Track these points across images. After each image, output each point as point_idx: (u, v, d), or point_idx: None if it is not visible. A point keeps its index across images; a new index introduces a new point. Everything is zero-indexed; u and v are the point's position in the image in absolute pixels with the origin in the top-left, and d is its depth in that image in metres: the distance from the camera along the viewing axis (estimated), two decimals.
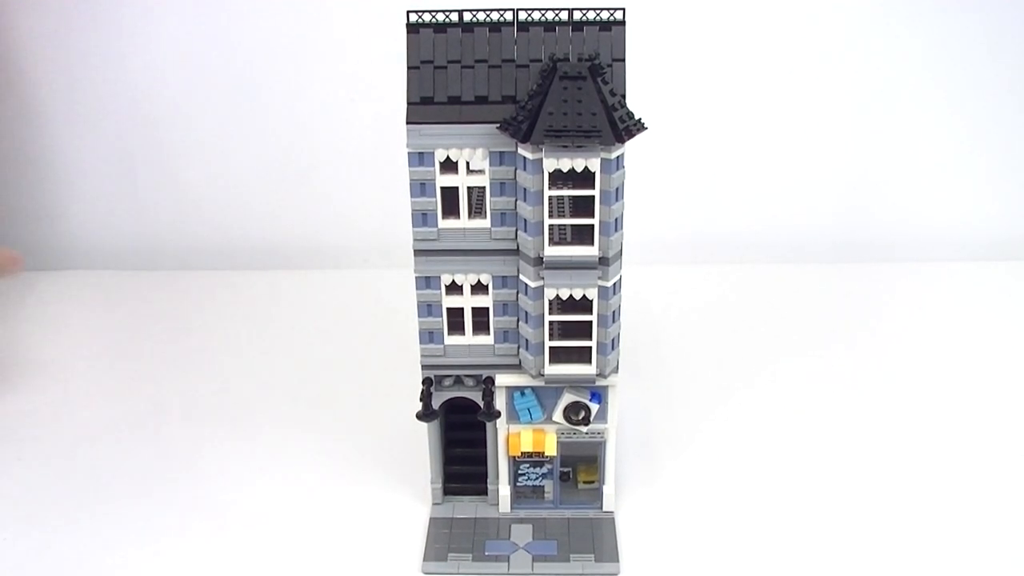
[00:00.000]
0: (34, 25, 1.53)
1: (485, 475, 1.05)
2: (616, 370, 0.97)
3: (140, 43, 1.53)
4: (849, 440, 1.17)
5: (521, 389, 0.99)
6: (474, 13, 0.89)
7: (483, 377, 0.99)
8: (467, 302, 0.96)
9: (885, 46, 1.53)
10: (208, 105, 1.56)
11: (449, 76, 0.89)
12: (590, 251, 0.90)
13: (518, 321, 0.96)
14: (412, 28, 0.90)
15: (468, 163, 0.90)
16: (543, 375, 0.96)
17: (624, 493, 1.07)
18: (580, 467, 1.05)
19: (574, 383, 0.97)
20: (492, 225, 0.92)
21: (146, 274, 1.62)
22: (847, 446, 1.16)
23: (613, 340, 0.95)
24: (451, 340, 0.97)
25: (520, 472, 1.04)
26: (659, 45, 1.48)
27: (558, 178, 0.88)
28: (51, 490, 1.10)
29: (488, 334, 0.97)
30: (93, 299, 1.56)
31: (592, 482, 1.05)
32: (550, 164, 0.86)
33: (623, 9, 0.89)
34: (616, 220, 0.89)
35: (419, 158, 0.90)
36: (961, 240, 1.63)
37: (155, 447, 1.17)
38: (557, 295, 0.92)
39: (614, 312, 0.94)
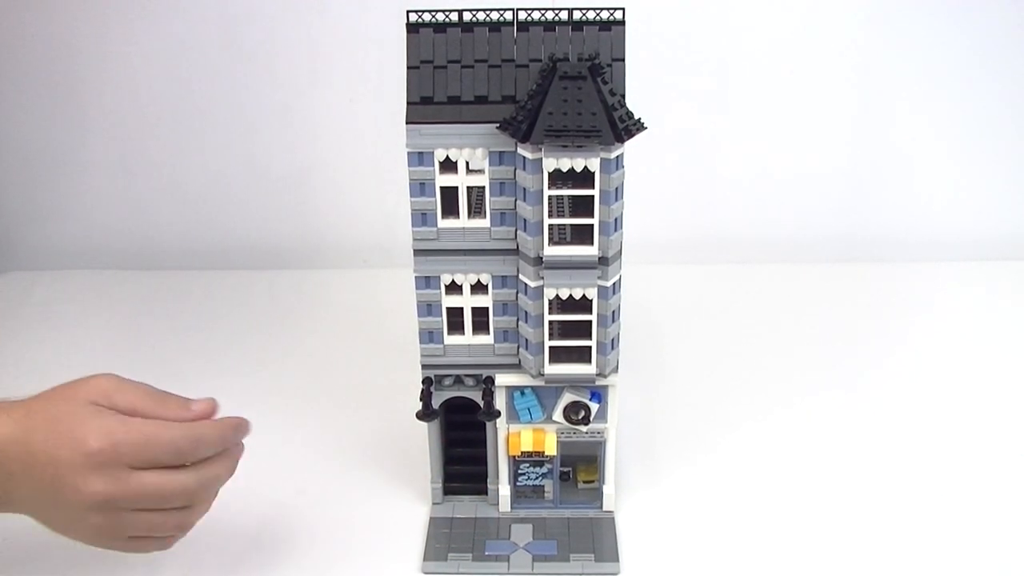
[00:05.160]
0: (35, 25, 1.53)
1: (485, 475, 1.05)
2: (616, 370, 0.97)
3: (140, 43, 1.53)
4: (849, 439, 1.17)
5: (521, 389, 0.99)
6: (474, 13, 0.89)
7: (483, 377, 0.99)
8: (467, 302, 0.96)
9: (885, 47, 1.53)
10: (208, 105, 1.57)
11: (449, 76, 0.89)
12: (590, 251, 0.90)
13: (518, 321, 0.96)
14: (412, 28, 0.90)
15: (468, 163, 0.90)
16: (543, 375, 0.96)
17: (624, 493, 1.07)
18: (580, 467, 1.05)
19: (574, 383, 0.97)
20: (492, 225, 0.92)
21: (146, 274, 1.62)
22: (847, 445, 1.16)
23: (613, 340, 0.95)
24: (451, 340, 0.97)
25: (520, 472, 1.04)
26: (659, 45, 1.48)
27: (558, 178, 0.88)
28: None
29: (488, 334, 0.97)
30: (93, 299, 1.56)
31: (592, 482, 1.05)
32: (550, 164, 0.86)
33: (623, 9, 0.89)
34: (616, 220, 0.89)
35: (419, 158, 0.90)
36: (961, 240, 1.63)
37: None
38: (557, 295, 0.92)
39: (614, 312, 0.94)
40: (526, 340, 0.95)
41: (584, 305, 0.92)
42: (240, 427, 0.89)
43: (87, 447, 0.80)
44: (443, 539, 1.01)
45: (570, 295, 0.91)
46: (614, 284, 0.92)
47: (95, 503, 0.81)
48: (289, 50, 1.52)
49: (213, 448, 0.86)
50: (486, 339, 0.97)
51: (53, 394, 0.86)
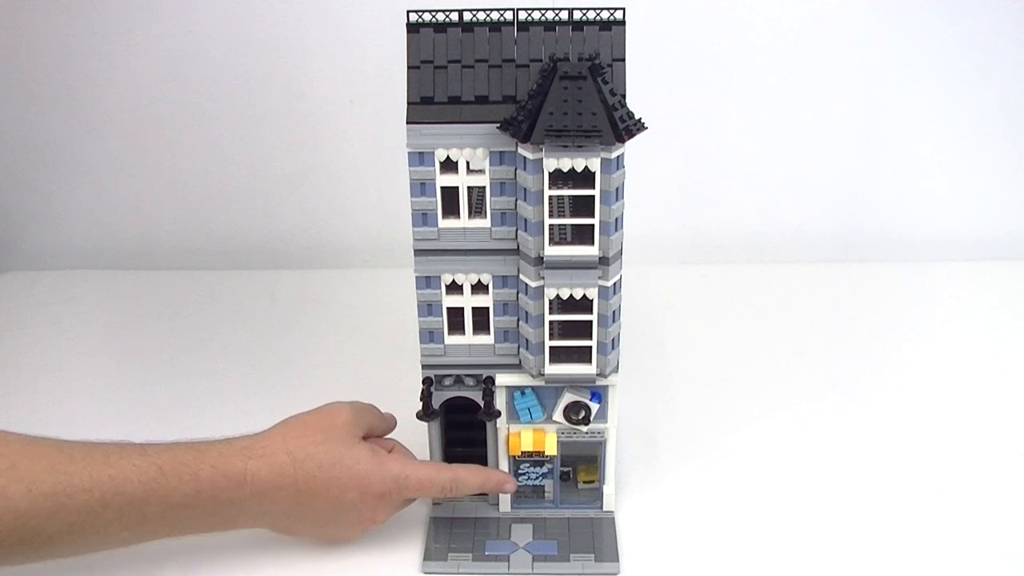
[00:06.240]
0: (35, 25, 1.53)
1: None
2: (616, 370, 0.97)
3: (140, 43, 1.53)
4: (849, 439, 1.17)
5: (521, 389, 0.99)
6: (474, 13, 0.89)
7: (483, 377, 0.99)
8: (467, 302, 0.96)
9: (886, 47, 1.52)
10: (208, 105, 1.57)
11: (449, 76, 0.89)
12: (590, 251, 0.90)
13: (518, 321, 0.96)
14: (412, 28, 0.90)
15: (468, 163, 0.90)
16: (543, 375, 0.96)
17: (624, 493, 1.07)
18: (580, 467, 1.05)
19: (574, 383, 0.97)
20: (492, 225, 0.92)
21: (146, 274, 1.62)
22: (847, 445, 1.16)
23: (613, 340, 0.95)
24: (451, 340, 0.97)
25: (520, 472, 1.04)
26: (659, 45, 1.48)
27: (558, 178, 0.88)
28: None
29: (488, 334, 0.97)
30: (93, 299, 1.56)
31: (592, 482, 1.05)
32: (550, 164, 0.86)
33: (623, 9, 0.89)
34: (616, 220, 0.89)
35: (419, 158, 0.90)
36: (961, 240, 1.63)
37: None
38: (557, 295, 0.92)
39: (614, 312, 0.94)
40: (526, 340, 0.95)
41: (584, 305, 0.92)
42: (502, 484, 1.02)
43: (375, 489, 0.94)
44: (443, 539, 1.01)
45: (570, 295, 0.91)
46: (614, 284, 0.92)
47: (374, 524, 0.97)
48: (289, 50, 1.52)
49: (472, 491, 1.00)
50: (486, 339, 0.97)
51: (305, 433, 0.95)
